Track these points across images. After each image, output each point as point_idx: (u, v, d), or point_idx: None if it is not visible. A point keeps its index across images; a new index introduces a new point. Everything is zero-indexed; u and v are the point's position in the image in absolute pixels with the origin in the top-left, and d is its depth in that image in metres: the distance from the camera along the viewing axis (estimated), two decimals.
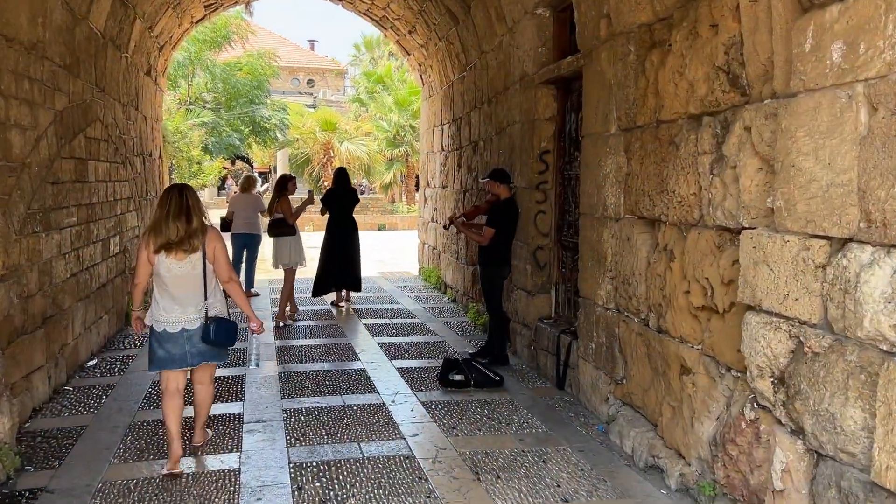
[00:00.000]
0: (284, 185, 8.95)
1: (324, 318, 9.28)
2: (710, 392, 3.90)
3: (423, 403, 5.75)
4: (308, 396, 5.90)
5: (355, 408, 5.61)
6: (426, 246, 12.76)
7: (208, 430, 4.95)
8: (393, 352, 7.43)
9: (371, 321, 9.04)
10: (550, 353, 6.46)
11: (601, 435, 5.12)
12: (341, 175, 10.14)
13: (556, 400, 5.92)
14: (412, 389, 6.12)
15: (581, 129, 5.78)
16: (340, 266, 9.69)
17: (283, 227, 8.77)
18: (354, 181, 30.09)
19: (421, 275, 12.98)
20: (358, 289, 10.09)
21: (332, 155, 26.82)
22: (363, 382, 6.32)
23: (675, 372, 4.30)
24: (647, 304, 4.64)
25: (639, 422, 4.81)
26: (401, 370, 6.72)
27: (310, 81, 51.14)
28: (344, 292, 10.17)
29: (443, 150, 11.34)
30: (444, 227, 6.82)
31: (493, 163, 8.24)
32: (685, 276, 4.12)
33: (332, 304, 10.14)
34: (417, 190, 35.11)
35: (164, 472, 4.33)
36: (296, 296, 10.08)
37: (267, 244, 10.17)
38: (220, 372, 6.24)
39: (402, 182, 32.32)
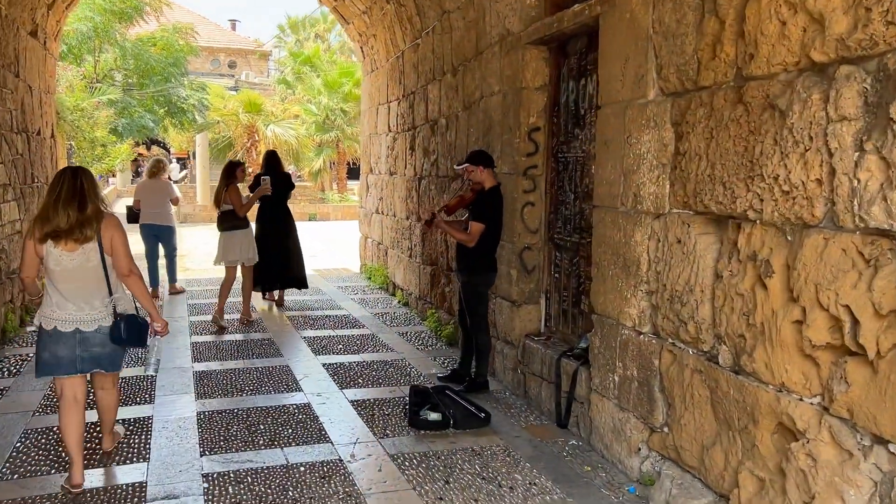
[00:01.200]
0: (232, 173, 7.77)
1: (253, 329, 7.74)
2: (844, 471, 2.65)
3: (392, 457, 4.36)
4: (238, 451, 4.42)
5: (303, 469, 4.17)
6: (370, 241, 11.30)
7: (118, 429, 4.56)
8: (343, 376, 5.99)
9: (311, 333, 7.55)
10: (546, 380, 5.15)
11: (636, 501, 3.85)
12: (272, 158, 8.85)
13: (561, 445, 4.62)
14: (375, 435, 4.71)
15: (598, 96, 4.46)
16: (280, 263, 8.62)
17: (235, 220, 7.71)
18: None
19: (363, 273, 11.52)
20: (303, 286, 8.99)
21: (258, 139, 24.88)
22: (310, 426, 4.87)
23: (767, 430, 3.05)
24: (716, 333, 3.37)
25: (696, 489, 3.55)
26: (356, 404, 5.31)
27: (231, 63, 48.52)
28: (277, 292, 9.10)
29: (389, 130, 9.89)
30: (426, 222, 5.42)
31: (460, 144, 6.86)
32: (795, 298, 2.85)
33: (266, 300, 9.13)
34: (349, 178, 33.49)
35: (64, 489, 3.86)
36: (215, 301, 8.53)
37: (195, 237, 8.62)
38: (122, 413, 4.75)
39: (332, 169, 30.58)
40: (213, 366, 6.25)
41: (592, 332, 4.52)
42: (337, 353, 6.75)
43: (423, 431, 4.78)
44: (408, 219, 8.93)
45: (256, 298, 9.23)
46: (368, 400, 5.39)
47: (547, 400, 5.14)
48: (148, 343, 4.04)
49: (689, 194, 3.52)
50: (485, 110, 6.19)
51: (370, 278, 10.97)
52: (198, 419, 4.92)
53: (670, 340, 3.75)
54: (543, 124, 5.54)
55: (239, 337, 7.33)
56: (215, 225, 8.10)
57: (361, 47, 11.26)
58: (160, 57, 20.47)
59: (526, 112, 5.50)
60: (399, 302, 9.26)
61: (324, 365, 6.32)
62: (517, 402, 5.46)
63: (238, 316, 8.10)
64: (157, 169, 9.58)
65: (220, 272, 10.50)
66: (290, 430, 4.76)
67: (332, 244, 16.38)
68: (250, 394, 5.52)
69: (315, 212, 24.73)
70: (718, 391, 3.35)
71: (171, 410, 5.10)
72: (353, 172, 38.05)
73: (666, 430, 3.82)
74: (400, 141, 9.29)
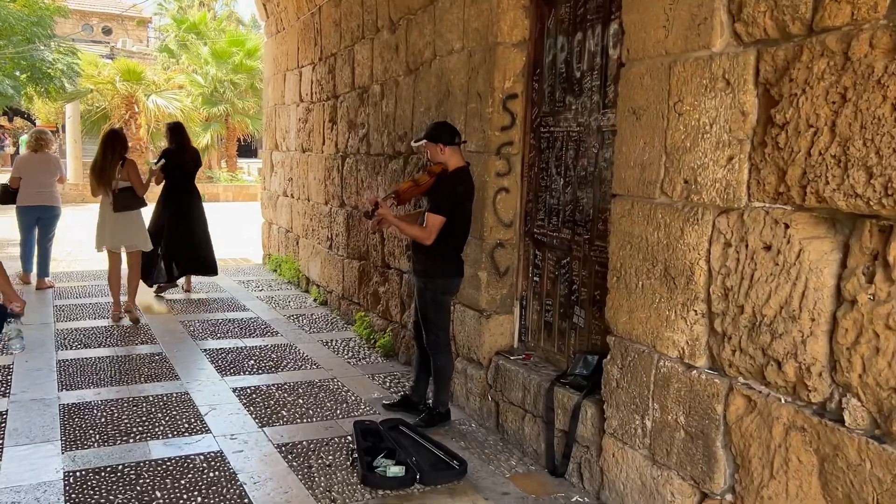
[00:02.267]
0: (122, 144, 6.70)
1: (138, 339, 6.27)
2: None
3: None
4: None
5: None
6: (275, 227, 9.88)
7: None
8: (261, 407, 4.70)
9: (213, 344, 6.17)
10: (531, 413, 4.08)
11: None
12: (178, 131, 7.74)
13: None
14: (317, 502, 3.49)
15: (621, 50, 3.37)
16: (189, 246, 7.77)
17: (133, 200, 6.69)
18: (162, 144, 25.94)
19: (268, 264, 10.09)
20: (214, 272, 8.15)
21: (137, 111, 22.45)
22: (226, 492, 3.59)
23: None
24: (839, 380, 2.37)
25: None
26: (285, 450, 4.06)
27: (106, 29, 44.69)
28: (184, 280, 8.20)
29: (301, 100, 8.52)
30: (366, 214, 4.18)
31: (402, 116, 5.65)
32: None
33: (156, 294, 8.01)
34: (240, 155, 31.29)
35: None
36: (94, 299, 7.07)
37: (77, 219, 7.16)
38: None
39: (220, 145, 28.38)
40: (88, 395, 4.80)
41: (609, 359, 3.46)
42: (249, 373, 5.43)
43: (381, 492, 3.60)
44: (327, 204, 7.63)
45: (145, 292, 7.71)
46: (300, 444, 4.15)
47: (533, 438, 4.06)
48: (4, 330, 3.75)
49: (793, 182, 2.50)
50: (439, 73, 5.00)
51: (276, 270, 9.58)
52: (65, 487, 3.54)
53: (743, 381, 2.75)
54: (522, 90, 4.42)
55: (121, 351, 5.85)
56: (96, 205, 6.96)
57: (265, 4, 9.76)
58: (21, 14, 17.94)
59: (501, 74, 4.36)
60: (315, 300, 7.96)
61: (234, 390, 5.00)
62: (489, 438, 4.36)
63: (116, 314, 6.60)
64: (42, 142, 8.14)
65: (95, 264, 8.90)
66: (200, 500, 3.46)
67: (226, 230, 14.71)
68: (140, 438, 4.15)
69: (202, 192, 22.69)
70: (839, 461, 2.36)
71: (24, 471, 3.68)
72: (244, 150, 35.86)
73: (730, 497, 2.82)
74: (316, 112, 7.95)
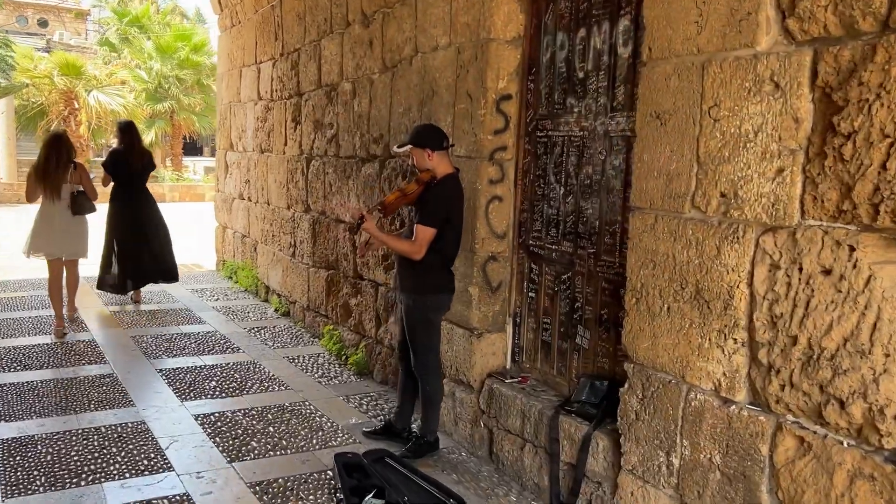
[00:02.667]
0: (71, 148, 6.41)
1: (85, 356, 5.73)
2: None
3: None
4: None
5: None
6: (230, 232, 9.35)
7: None
8: (228, 437, 4.26)
9: (170, 363, 5.68)
10: (531, 442, 3.75)
11: None
12: (130, 130, 7.29)
13: None
14: None
15: (642, 48, 3.04)
16: (146, 254, 7.41)
17: (90, 205, 6.45)
18: (104, 142, 24.84)
19: (222, 271, 9.56)
20: (175, 278, 7.79)
21: (77, 107, 21.43)
22: None
23: None
24: None
25: None
26: (260, 489, 3.63)
27: (42, 21, 42.90)
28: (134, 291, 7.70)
29: (260, 98, 8.02)
30: (351, 230, 3.78)
31: (377, 117, 5.26)
32: None
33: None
34: (185, 153, 30.26)
35: None
36: (33, 312, 6.53)
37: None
38: None
39: (165, 143, 27.40)
40: (30, 428, 4.29)
41: (626, 389, 3.14)
42: (211, 396, 4.96)
43: None
44: (289, 208, 7.17)
45: (91, 305, 7.15)
46: (275, 482, 3.73)
47: (534, 471, 3.73)
48: None
49: (861, 199, 2.21)
50: (421, 71, 4.62)
51: (233, 278, 9.06)
52: None
53: (794, 419, 2.45)
54: (516, 91, 4.08)
55: (66, 373, 5.32)
56: (34, 206, 6.50)
57: None
58: None
59: (494, 73, 4.01)
60: (276, 311, 7.49)
61: (197, 418, 4.54)
62: (483, 468, 4.00)
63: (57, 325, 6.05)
64: None
65: (33, 272, 8.29)
66: None
67: (174, 232, 14.03)
68: (93, 479, 3.68)
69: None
70: None
71: None
72: (189, 148, 34.82)
73: None
74: (277, 111, 7.48)
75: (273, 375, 5.43)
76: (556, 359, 3.95)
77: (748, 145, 2.55)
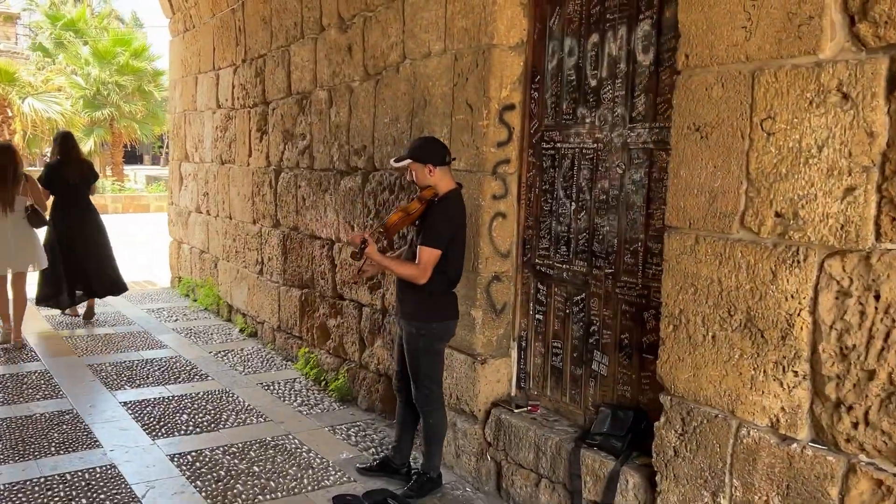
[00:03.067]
0: (19, 160, 6.23)
1: (39, 389, 5.25)
2: None
3: None
4: None
5: None
6: (187, 247, 8.86)
7: None
8: (211, 481, 3.89)
9: (132, 394, 5.24)
10: (547, 478, 3.49)
11: None
12: (66, 141, 7.04)
13: None
14: None
15: (679, 53, 2.81)
16: (89, 266, 7.06)
17: (42, 217, 6.39)
18: (38, 151, 23.71)
19: (179, 288, 9.05)
20: (122, 289, 7.48)
21: (11, 115, 20.40)
22: None
23: None
24: None
25: None
26: None
27: None
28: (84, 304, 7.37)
29: (219, 106, 7.60)
30: (353, 256, 3.44)
31: (359, 128, 4.95)
32: None
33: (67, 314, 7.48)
34: (126, 162, 29.19)
35: None
36: None
37: None
38: None
39: (105, 152, 26.37)
40: None
41: (663, 422, 2.90)
42: (185, 432, 4.56)
43: None
44: (255, 223, 6.78)
45: (38, 329, 6.64)
46: None
47: None
48: None
49: None
50: (411, 79, 4.33)
51: (189, 296, 8.58)
52: None
53: (868, 460, 2.25)
54: (519, 101, 3.83)
55: (18, 410, 4.84)
56: None
57: (170, 0, 8.75)
58: None
59: (497, 82, 3.75)
60: (242, 332, 7.07)
61: (172, 458, 4.15)
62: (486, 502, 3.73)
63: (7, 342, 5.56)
64: None
65: None
66: None
67: (120, 246, 13.38)
68: None
69: None
70: None
71: None
72: (130, 157, 33.70)
73: None
74: (239, 120, 7.07)
75: (249, 405, 5.05)
76: (568, 386, 3.70)
77: (810, 161, 2.34)
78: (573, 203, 3.61)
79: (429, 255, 3.45)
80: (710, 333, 2.69)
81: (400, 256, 3.75)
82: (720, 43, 2.62)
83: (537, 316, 3.87)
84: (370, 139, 4.81)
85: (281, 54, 6.10)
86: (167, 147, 41.12)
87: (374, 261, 3.50)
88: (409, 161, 3.53)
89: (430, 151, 3.51)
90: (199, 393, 5.28)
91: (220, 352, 6.42)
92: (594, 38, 3.47)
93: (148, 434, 4.49)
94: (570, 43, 3.60)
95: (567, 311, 3.69)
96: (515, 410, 3.79)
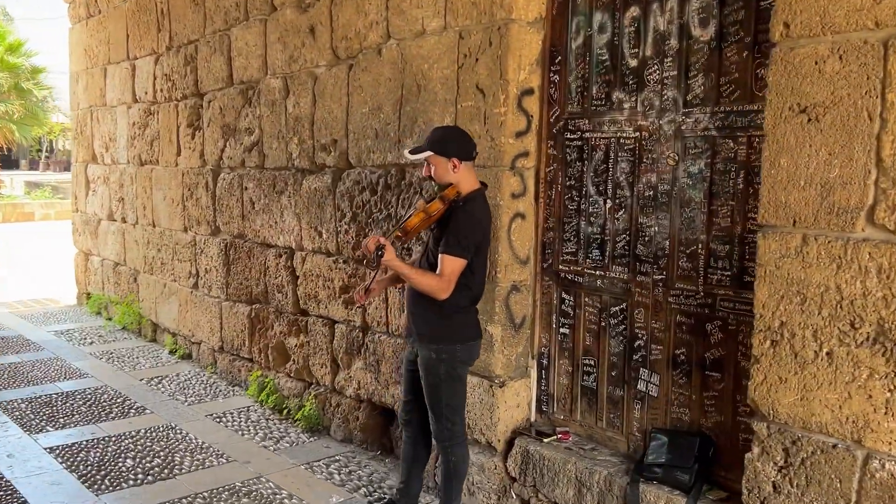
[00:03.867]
0: None
1: None
2: None
3: None
4: None
5: None
6: (97, 259, 7.88)
7: None
8: None
9: (59, 436, 4.42)
10: None
11: None
12: None
13: None
14: None
15: (775, 21, 2.39)
16: None
17: None
18: None
19: (88, 306, 8.04)
20: None
21: None
22: None
23: None
24: None
25: None
26: None
27: None
28: None
29: (137, 100, 6.75)
30: (369, 265, 2.84)
31: (325, 119, 4.34)
32: None
33: None
34: (2, 167, 26.78)
35: None
36: None
37: None
38: None
39: None
40: None
41: (758, 454, 2.49)
42: (134, 482, 3.82)
43: None
44: (187, 230, 6.01)
45: None
46: None
47: None
48: None
49: None
50: (398, 62, 3.77)
51: (102, 314, 7.63)
52: None
53: None
54: (538, 84, 3.35)
55: None
56: None
57: None
58: None
59: (516, 62, 3.25)
60: (173, 353, 6.27)
61: None
62: None
63: None
64: None
65: None
66: None
67: (10, 260, 12.05)
68: None
69: None
70: None
71: None
72: (5, 161, 31.07)
73: None
74: (164, 115, 6.26)
75: (204, 443, 4.34)
76: (604, 409, 3.25)
77: None
78: (609, 200, 3.17)
79: (453, 265, 2.91)
80: (825, 350, 2.30)
81: (414, 265, 3.18)
82: (837, 8, 2.22)
83: (562, 330, 3.40)
84: (343, 132, 4.21)
85: (219, 39, 5.38)
86: (47, 150, 38.29)
87: (395, 269, 2.92)
88: (428, 153, 2.97)
89: (456, 143, 2.97)
90: (139, 431, 4.52)
91: (152, 378, 5.62)
92: (633, 11, 3.03)
93: (90, 489, 3.72)
94: (600, 18, 3.15)
95: (602, 323, 3.23)
96: (545, 440, 3.30)
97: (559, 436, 3.32)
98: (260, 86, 4.96)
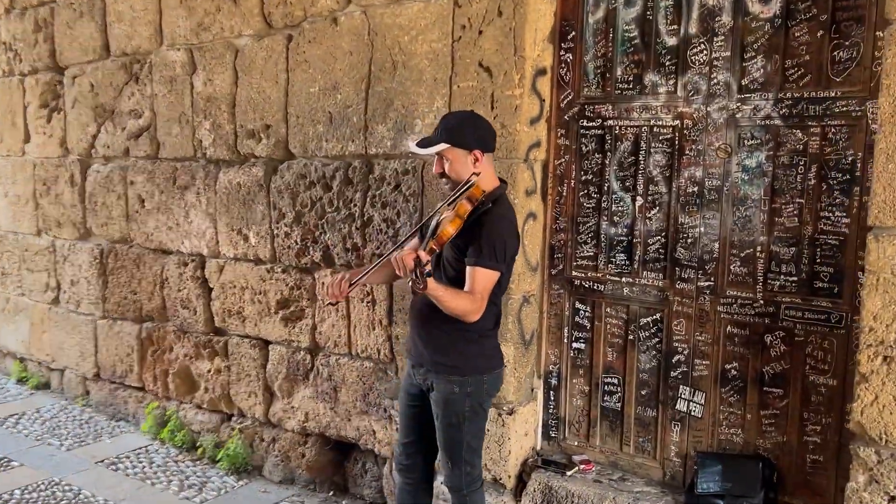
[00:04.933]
0: None
1: None
2: None
3: None
4: None
5: None
6: None
7: None
8: None
9: None
10: None
11: None
12: None
13: None
14: None
15: None
16: None
17: None
18: None
19: None
20: None
21: None
22: None
23: None
24: None
25: None
26: None
27: None
28: None
29: None
30: (414, 287, 2.21)
31: (254, 100, 3.63)
32: None
33: None
34: None
35: None
36: None
37: None
38: None
39: None
40: None
41: (864, 484, 2.23)
42: None
43: None
44: (42, 234, 4.94)
45: None
46: None
47: None
48: None
49: None
50: (364, 33, 3.16)
51: None
52: None
53: None
54: (549, 64, 2.90)
55: None
56: None
57: None
58: None
59: (532, 36, 2.78)
60: (23, 383, 5.15)
61: None
62: None
63: None
64: None
65: None
66: None
67: None
68: None
69: None
70: None
71: None
72: None
73: None
74: (4, 93, 5.10)
75: (107, 502, 3.49)
76: (632, 432, 2.89)
77: None
78: (639, 198, 2.79)
79: (486, 280, 2.38)
80: None
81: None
82: None
83: (576, 345, 2.99)
84: (280, 116, 3.52)
85: (88, 1, 4.40)
86: None
87: (430, 293, 2.34)
88: (444, 146, 2.41)
89: (476, 132, 2.43)
90: (13, 493, 3.55)
91: (5, 419, 4.55)
92: None
93: None
94: None
95: (630, 336, 2.86)
96: (568, 473, 2.88)
97: (581, 466, 2.92)
98: (152, 59, 4.09)
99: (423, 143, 2.45)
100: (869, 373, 2.20)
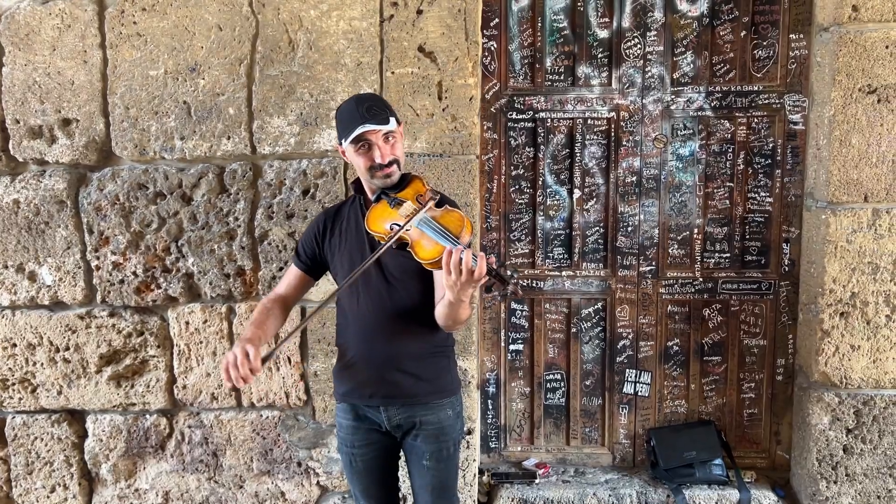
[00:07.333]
0: None
1: None
2: None
3: None
4: None
5: None
6: None
7: None
8: None
9: None
10: None
11: None
12: None
13: None
14: None
15: (843, 5, 2.41)
16: None
17: None
18: None
19: None
20: None
21: None
22: None
23: None
24: None
25: None
26: None
27: None
28: None
29: None
30: (488, 290, 1.63)
31: (45, 85, 2.67)
32: None
33: None
34: None
35: None
36: None
37: None
38: None
39: None
40: None
41: (829, 424, 2.59)
42: None
43: None
44: None
45: None
46: None
47: None
48: None
49: None
50: (247, 3, 2.51)
51: None
52: None
53: None
54: (475, 52, 2.67)
55: None
56: None
57: None
58: None
59: (478, 19, 2.53)
60: None
61: None
62: None
63: None
64: None
65: None
66: None
67: None
68: None
69: None
70: None
71: None
72: None
73: None
74: None
75: None
76: (579, 424, 2.89)
77: None
78: (576, 190, 2.77)
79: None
80: None
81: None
82: None
83: (513, 346, 2.86)
84: (97, 106, 2.58)
85: None
86: None
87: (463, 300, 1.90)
88: (396, 125, 1.98)
89: (393, 110, 2.04)
90: None
91: None
92: None
93: None
94: None
95: (571, 329, 2.84)
96: (536, 482, 2.75)
97: (539, 471, 2.81)
98: None
99: (377, 120, 1.95)
100: (830, 328, 2.55)
